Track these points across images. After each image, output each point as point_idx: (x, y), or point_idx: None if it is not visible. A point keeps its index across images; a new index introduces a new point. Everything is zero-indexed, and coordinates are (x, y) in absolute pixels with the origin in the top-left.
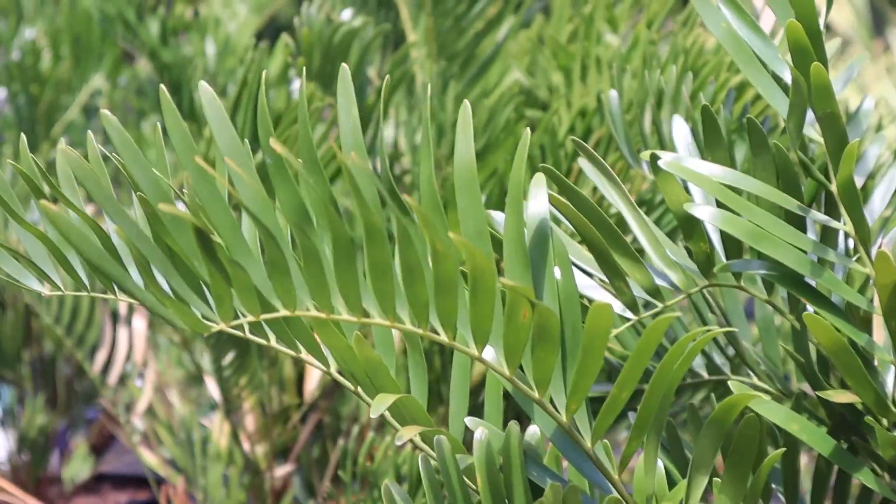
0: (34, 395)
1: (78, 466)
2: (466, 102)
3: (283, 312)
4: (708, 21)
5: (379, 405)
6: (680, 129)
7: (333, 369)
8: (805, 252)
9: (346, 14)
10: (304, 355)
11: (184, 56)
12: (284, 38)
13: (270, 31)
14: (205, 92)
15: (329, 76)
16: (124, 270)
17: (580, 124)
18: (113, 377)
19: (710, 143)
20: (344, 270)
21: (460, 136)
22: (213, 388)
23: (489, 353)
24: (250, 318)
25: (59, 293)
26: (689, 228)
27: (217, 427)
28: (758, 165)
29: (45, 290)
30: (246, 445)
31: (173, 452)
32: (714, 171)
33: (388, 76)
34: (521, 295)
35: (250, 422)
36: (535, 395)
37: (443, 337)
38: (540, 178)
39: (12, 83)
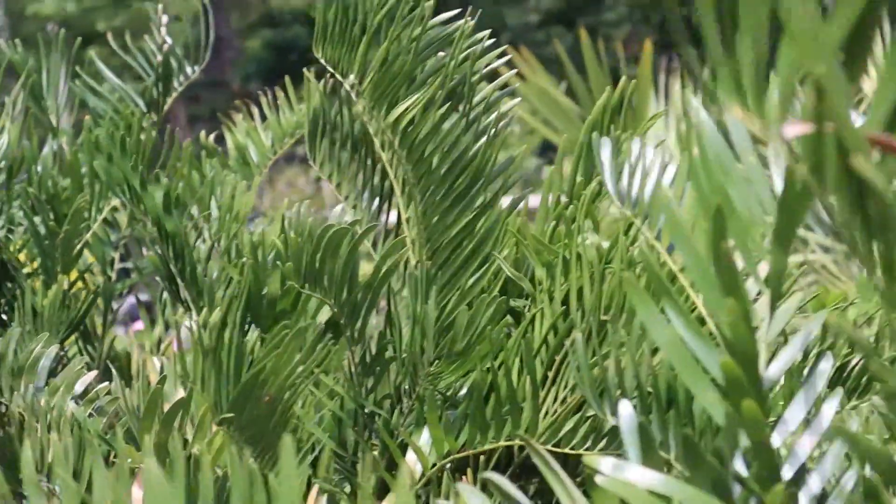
0: None
1: None
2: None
3: None
4: (652, 329)
5: None
6: (625, 414)
7: None
8: None
9: (337, 210)
10: None
11: (186, 224)
12: (279, 224)
13: None
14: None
15: (319, 273)
16: None
17: (562, 323)
18: None
19: (644, 450)
20: None
21: None
22: None
23: None
24: None
25: None
26: None
27: None
28: (694, 477)
29: None
30: None
31: None
32: (651, 480)
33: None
34: None
35: None
36: None
37: None
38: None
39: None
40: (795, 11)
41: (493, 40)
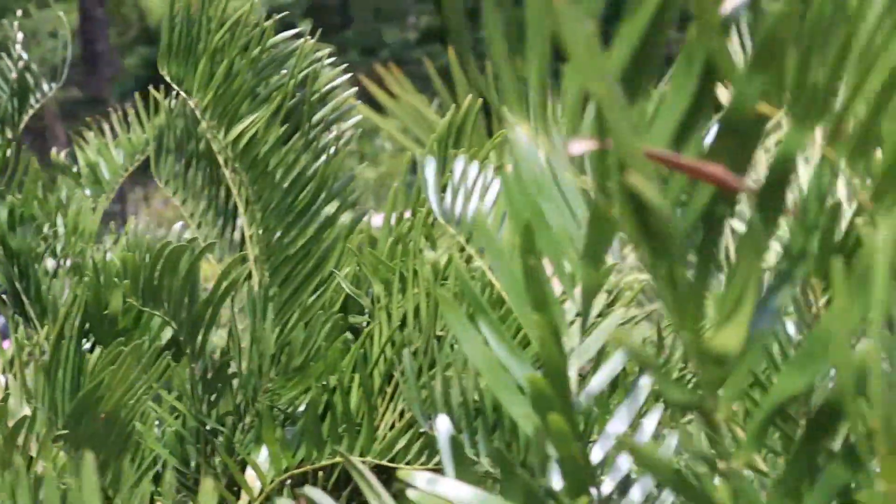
0: None
1: None
2: None
3: None
4: (467, 347)
5: None
6: (443, 429)
7: None
8: None
9: (177, 227)
10: None
11: (31, 243)
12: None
13: None
14: None
15: (158, 291)
16: None
17: (399, 336)
18: None
19: (458, 464)
20: None
21: None
22: None
23: None
24: None
25: None
26: None
27: None
28: (507, 491)
29: None
30: None
31: None
32: (464, 495)
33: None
34: None
35: None
36: None
37: None
38: None
39: None
40: (574, 35)
41: (333, 59)
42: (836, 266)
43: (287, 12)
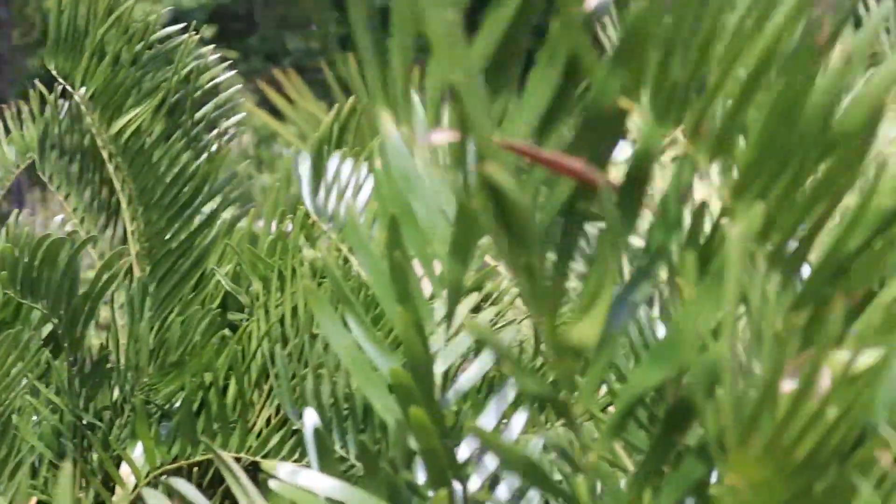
0: None
1: None
2: None
3: None
4: (332, 339)
5: None
6: (309, 422)
7: None
8: None
9: (57, 220)
10: None
11: None
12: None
13: None
14: None
15: (37, 283)
16: None
17: (276, 332)
18: None
19: (322, 457)
20: None
21: None
22: None
23: None
24: None
25: None
26: None
27: None
28: (370, 484)
29: None
30: None
31: None
32: (327, 486)
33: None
34: None
35: None
36: None
37: None
38: None
39: None
40: (437, 25)
41: (217, 55)
42: (688, 261)
43: (166, 8)
